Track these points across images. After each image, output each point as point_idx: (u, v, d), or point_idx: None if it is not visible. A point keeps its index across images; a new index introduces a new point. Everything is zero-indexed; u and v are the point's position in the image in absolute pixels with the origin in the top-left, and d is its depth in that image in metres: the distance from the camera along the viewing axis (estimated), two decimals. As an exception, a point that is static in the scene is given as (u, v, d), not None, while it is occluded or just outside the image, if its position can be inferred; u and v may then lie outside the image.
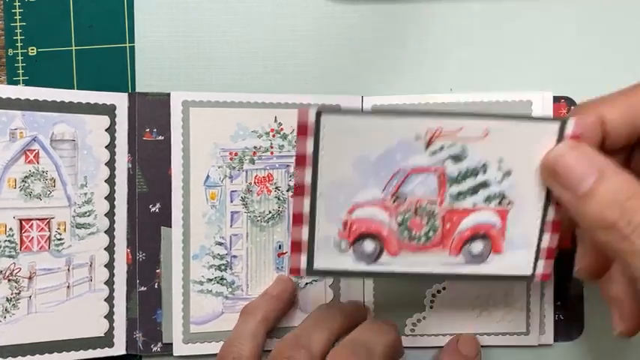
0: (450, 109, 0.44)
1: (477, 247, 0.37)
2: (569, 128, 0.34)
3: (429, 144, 0.35)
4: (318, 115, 0.34)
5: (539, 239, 0.37)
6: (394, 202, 0.36)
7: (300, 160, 0.35)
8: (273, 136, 0.45)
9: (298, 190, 0.36)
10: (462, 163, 0.35)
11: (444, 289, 0.45)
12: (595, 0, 0.47)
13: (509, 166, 0.36)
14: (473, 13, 0.47)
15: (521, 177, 0.36)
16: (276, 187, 0.45)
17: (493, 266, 0.37)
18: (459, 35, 0.47)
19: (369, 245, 0.37)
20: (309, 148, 0.35)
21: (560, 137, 0.34)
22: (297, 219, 0.36)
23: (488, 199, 0.36)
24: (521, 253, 0.37)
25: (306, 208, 0.36)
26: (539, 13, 0.47)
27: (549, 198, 0.36)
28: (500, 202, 0.36)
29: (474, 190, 0.36)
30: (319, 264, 0.37)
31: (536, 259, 0.37)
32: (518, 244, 0.37)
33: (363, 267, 0.37)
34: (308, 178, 0.35)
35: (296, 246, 0.37)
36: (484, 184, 0.36)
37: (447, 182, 0.36)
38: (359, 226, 0.36)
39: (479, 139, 0.35)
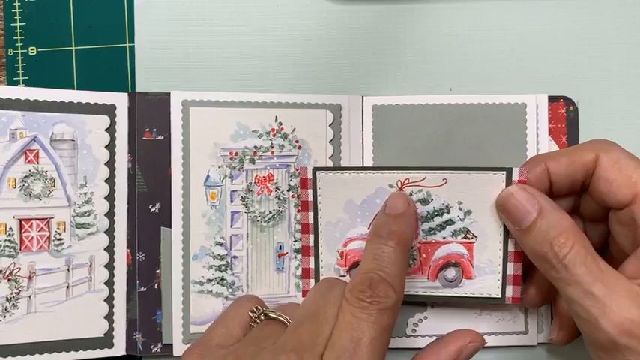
0: (448, 111, 0.46)
1: (451, 273, 0.43)
2: (516, 175, 0.40)
3: (400, 191, 0.42)
4: (314, 172, 0.43)
5: (504, 267, 0.42)
6: None
7: (304, 206, 0.44)
8: (274, 135, 0.45)
9: (304, 229, 0.44)
10: (429, 205, 0.42)
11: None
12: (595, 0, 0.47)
13: (468, 207, 0.42)
14: (473, 14, 0.47)
15: (479, 215, 0.42)
16: (277, 187, 0.45)
17: (466, 289, 0.43)
18: (459, 35, 0.47)
19: None
20: (310, 197, 0.44)
21: (509, 183, 0.40)
22: (305, 251, 0.45)
23: (454, 234, 0.43)
24: (489, 279, 0.43)
25: (311, 243, 0.44)
26: (539, 12, 0.47)
27: (508, 232, 0.41)
28: (465, 236, 0.43)
29: (442, 227, 0.43)
30: None
31: (504, 284, 0.43)
32: (486, 271, 0.43)
33: None
34: (311, 220, 0.44)
35: (306, 272, 0.45)
36: (449, 222, 0.42)
37: (419, 220, 0.42)
38: (353, 256, 0.44)
39: (439, 186, 0.42)
